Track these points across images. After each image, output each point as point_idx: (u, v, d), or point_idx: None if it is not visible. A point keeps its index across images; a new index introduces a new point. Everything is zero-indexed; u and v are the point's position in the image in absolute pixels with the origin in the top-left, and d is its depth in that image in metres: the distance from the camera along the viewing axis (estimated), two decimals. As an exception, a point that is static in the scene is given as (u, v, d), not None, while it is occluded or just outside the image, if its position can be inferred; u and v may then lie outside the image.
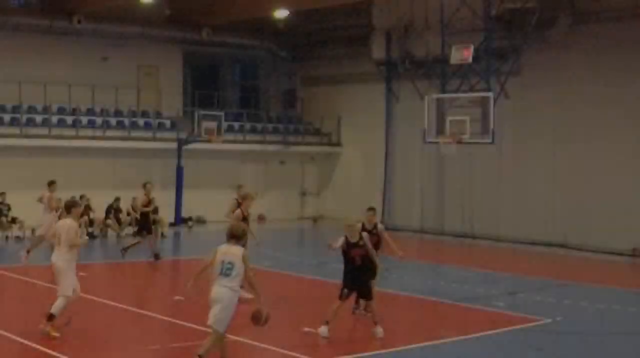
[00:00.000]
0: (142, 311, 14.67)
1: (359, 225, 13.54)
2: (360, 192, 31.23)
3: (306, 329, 13.28)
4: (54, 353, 11.36)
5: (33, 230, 25.79)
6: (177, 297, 15.89)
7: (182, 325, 13.63)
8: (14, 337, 12.27)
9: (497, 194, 27.86)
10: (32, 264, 18.67)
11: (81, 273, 18.88)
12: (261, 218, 31.10)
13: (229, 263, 10.35)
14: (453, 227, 28.97)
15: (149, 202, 21.28)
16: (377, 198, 29.68)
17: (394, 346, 12.68)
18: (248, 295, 10.90)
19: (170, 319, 14.18)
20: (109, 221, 26.54)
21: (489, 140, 23.73)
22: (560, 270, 21.98)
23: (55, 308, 12.31)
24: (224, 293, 10.27)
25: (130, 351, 12.22)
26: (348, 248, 13.00)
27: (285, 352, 11.99)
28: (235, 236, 10.58)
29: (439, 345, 12.79)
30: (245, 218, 16.68)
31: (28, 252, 19.64)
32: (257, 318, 10.79)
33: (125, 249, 21.04)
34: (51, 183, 20.75)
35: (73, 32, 29.06)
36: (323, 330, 12.85)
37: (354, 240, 12.98)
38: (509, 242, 25.81)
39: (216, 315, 10.31)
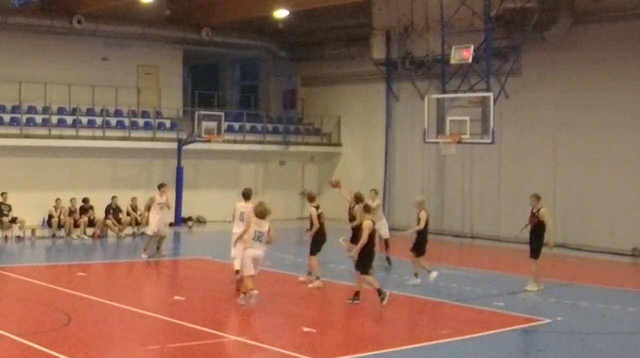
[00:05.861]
0: (142, 311, 14.65)
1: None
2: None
3: (306, 329, 13.28)
4: (54, 353, 11.35)
5: (33, 231, 25.83)
6: (177, 297, 15.92)
7: (182, 325, 13.61)
8: (14, 337, 12.26)
9: (497, 194, 27.85)
10: (35, 264, 18.64)
11: (81, 274, 19.04)
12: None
13: None
14: (453, 227, 28.96)
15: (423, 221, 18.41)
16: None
17: (394, 346, 12.66)
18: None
19: (170, 319, 14.16)
20: (108, 221, 26.53)
21: (489, 140, 23.68)
22: (560, 270, 21.93)
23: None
24: None
25: (130, 351, 12.20)
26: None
27: (285, 352, 11.97)
28: None
29: (439, 345, 12.78)
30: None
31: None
32: None
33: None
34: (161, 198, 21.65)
35: (73, 32, 29.03)
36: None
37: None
38: (509, 242, 25.74)
39: None
